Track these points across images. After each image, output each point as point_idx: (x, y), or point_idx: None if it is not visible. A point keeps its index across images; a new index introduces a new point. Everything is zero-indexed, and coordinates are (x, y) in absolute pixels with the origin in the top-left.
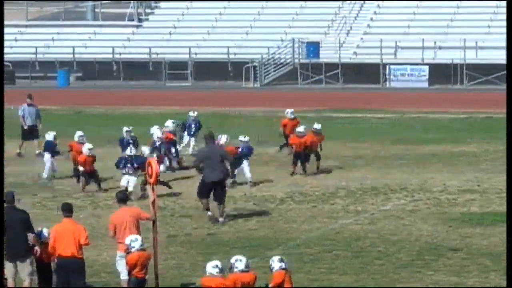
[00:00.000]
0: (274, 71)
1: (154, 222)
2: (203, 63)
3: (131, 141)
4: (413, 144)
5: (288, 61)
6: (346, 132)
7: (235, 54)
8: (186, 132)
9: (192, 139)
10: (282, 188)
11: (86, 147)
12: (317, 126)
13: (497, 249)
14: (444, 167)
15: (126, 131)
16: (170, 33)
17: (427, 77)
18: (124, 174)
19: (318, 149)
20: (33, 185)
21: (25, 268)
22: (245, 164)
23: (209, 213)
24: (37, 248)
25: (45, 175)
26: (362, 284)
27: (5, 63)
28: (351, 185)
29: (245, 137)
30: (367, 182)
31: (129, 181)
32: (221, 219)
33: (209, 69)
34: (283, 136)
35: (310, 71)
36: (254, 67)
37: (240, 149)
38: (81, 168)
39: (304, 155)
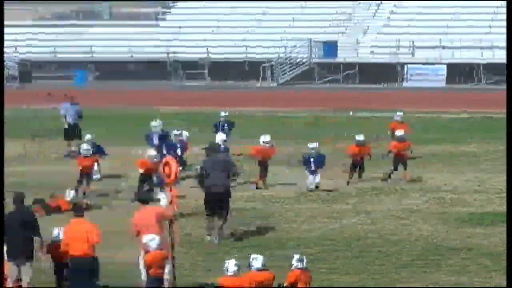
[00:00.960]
0: (290, 70)
1: (171, 221)
2: (219, 63)
3: (178, 145)
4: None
5: (304, 60)
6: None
7: (248, 53)
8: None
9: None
10: (283, 188)
11: (148, 153)
12: (399, 132)
13: (497, 249)
14: (444, 167)
15: (175, 135)
16: (184, 33)
17: (444, 76)
18: None
19: (409, 152)
20: (38, 186)
21: (26, 271)
22: (317, 175)
23: (208, 237)
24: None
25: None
26: (362, 284)
27: (23, 62)
28: (351, 185)
29: (313, 143)
30: (367, 182)
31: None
32: (216, 240)
33: (225, 69)
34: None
35: (326, 71)
36: (271, 66)
37: (307, 156)
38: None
39: (361, 163)
